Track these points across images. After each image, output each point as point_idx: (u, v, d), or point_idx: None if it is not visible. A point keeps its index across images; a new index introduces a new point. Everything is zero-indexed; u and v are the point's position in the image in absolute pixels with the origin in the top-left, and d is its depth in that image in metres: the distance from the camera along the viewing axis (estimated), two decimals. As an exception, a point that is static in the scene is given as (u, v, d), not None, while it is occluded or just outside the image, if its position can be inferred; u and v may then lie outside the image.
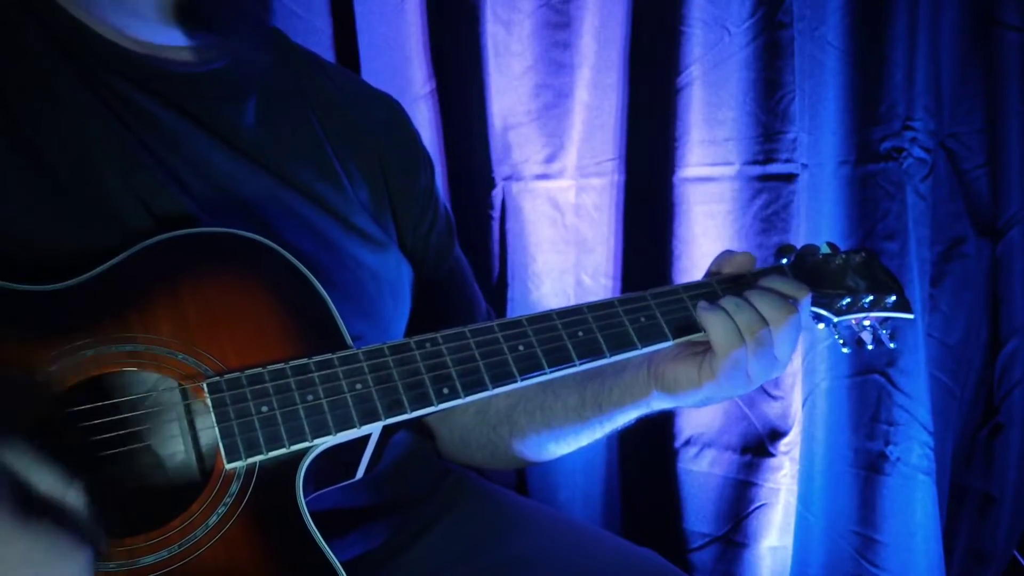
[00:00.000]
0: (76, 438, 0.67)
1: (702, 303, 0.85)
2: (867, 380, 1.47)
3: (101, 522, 0.58)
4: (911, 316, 0.94)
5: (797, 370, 1.49)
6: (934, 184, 1.44)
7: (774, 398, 1.51)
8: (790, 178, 1.43)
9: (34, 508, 0.55)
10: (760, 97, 1.42)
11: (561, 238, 1.54)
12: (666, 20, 1.42)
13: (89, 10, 0.79)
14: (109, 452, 0.69)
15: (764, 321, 0.82)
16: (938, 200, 1.46)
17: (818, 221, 1.44)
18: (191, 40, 0.82)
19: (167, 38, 0.82)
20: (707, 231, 1.47)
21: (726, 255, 0.92)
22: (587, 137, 1.50)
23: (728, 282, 0.89)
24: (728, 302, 0.83)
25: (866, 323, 0.94)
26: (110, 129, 0.77)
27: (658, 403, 0.90)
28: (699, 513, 1.57)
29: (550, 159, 1.52)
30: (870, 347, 0.95)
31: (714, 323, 0.82)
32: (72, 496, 0.57)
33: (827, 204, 1.45)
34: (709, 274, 0.93)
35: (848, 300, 0.91)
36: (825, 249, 0.97)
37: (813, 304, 0.91)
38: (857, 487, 1.50)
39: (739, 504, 1.55)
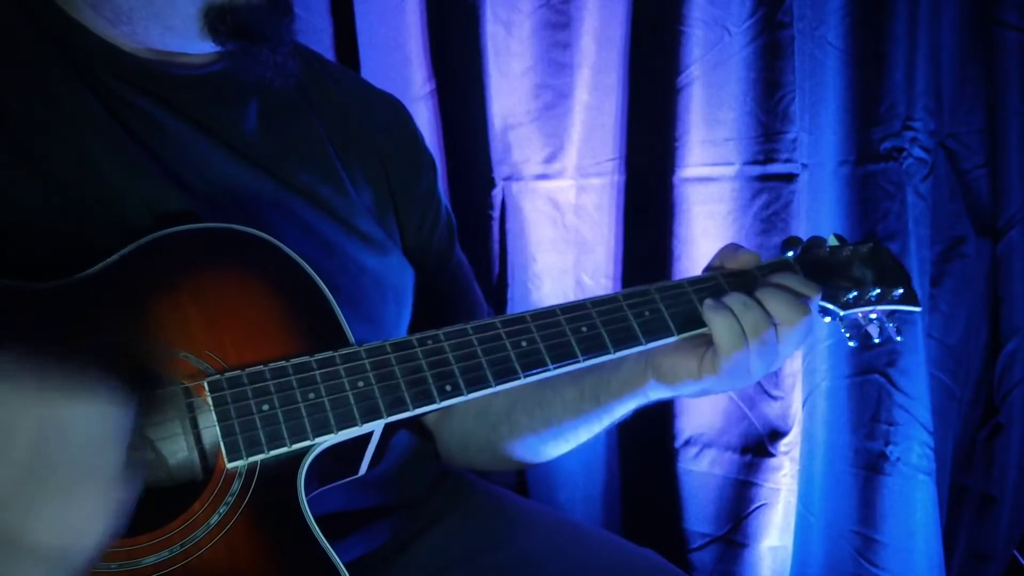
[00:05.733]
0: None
1: (709, 301, 0.82)
2: (867, 380, 1.47)
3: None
4: (918, 309, 0.92)
5: (797, 370, 1.49)
6: (934, 184, 1.44)
7: (774, 398, 1.51)
8: (790, 178, 1.43)
9: None
10: (760, 97, 1.41)
11: (561, 238, 1.54)
12: (666, 20, 1.42)
13: (116, 24, 0.77)
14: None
15: (770, 321, 0.80)
16: (938, 200, 1.46)
17: (818, 221, 1.44)
18: (220, 49, 0.80)
19: (192, 48, 0.81)
20: (707, 231, 1.47)
21: (730, 250, 0.90)
22: (587, 137, 1.50)
23: (734, 276, 0.87)
24: (735, 301, 0.81)
25: (872, 316, 0.92)
26: (112, 133, 0.76)
27: (655, 393, 0.88)
28: (699, 513, 1.57)
29: (550, 159, 1.52)
30: (876, 341, 0.93)
31: (719, 324, 0.80)
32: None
33: (827, 204, 1.45)
34: (710, 268, 0.90)
35: (855, 293, 0.89)
36: (832, 241, 0.96)
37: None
38: (857, 487, 1.50)
39: (739, 504, 1.55)
